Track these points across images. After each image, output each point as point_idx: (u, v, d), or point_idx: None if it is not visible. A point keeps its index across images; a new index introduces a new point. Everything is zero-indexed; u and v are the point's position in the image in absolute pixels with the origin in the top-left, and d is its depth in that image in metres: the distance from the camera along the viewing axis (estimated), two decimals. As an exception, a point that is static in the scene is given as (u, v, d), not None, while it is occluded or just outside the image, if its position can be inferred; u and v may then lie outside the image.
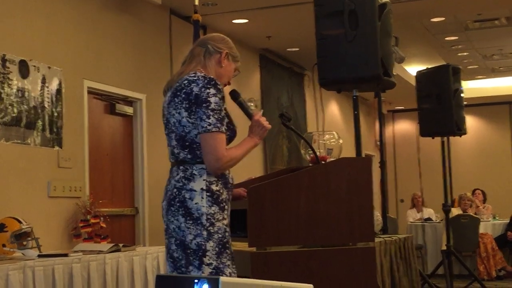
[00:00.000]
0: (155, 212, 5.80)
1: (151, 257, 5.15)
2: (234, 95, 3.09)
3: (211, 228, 2.78)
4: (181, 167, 2.86)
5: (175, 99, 2.87)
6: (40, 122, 5.23)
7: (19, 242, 4.52)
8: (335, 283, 3.23)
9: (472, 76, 12.97)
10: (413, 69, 10.59)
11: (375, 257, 3.70)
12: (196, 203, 2.78)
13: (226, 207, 2.86)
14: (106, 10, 6.19)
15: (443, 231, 8.47)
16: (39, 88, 5.25)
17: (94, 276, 4.55)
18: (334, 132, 4.54)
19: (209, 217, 2.78)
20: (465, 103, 7.39)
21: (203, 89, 2.80)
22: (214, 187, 2.82)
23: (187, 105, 2.82)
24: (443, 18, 8.77)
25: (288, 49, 9.44)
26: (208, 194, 2.79)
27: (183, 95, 2.84)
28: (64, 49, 5.59)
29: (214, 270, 2.77)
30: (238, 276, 2.88)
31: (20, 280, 3.97)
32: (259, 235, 3.10)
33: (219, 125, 2.79)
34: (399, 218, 12.25)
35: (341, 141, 4.50)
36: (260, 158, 8.96)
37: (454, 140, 8.46)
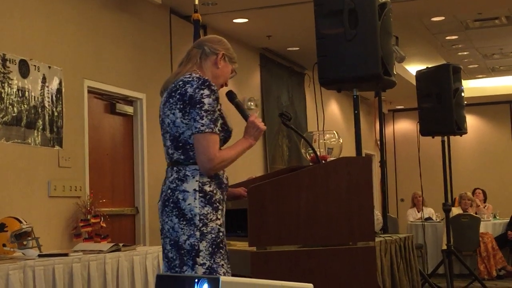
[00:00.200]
0: (155, 212, 5.76)
1: (151, 256, 5.16)
2: (231, 96, 3.09)
3: (204, 228, 2.79)
4: (175, 168, 2.87)
5: (170, 99, 2.88)
6: (40, 122, 5.23)
7: (19, 242, 4.52)
8: (335, 283, 3.23)
9: (473, 75, 12.96)
10: (413, 68, 10.59)
11: (375, 257, 3.70)
12: (189, 204, 2.79)
13: (220, 207, 2.86)
14: (106, 10, 6.19)
15: (443, 230, 8.47)
16: (39, 88, 5.25)
17: (94, 276, 4.56)
18: (335, 132, 4.53)
19: (202, 217, 2.78)
20: (465, 102, 7.38)
21: (197, 90, 2.81)
22: (207, 188, 2.82)
23: (181, 106, 2.83)
24: (443, 18, 8.77)
25: (288, 49, 9.44)
26: (201, 195, 2.80)
27: (178, 96, 2.84)
28: (64, 49, 5.59)
29: (207, 270, 2.77)
30: (238, 276, 2.88)
31: (20, 279, 3.97)
32: (259, 235, 3.09)
33: (212, 126, 2.79)
34: (399, 217, 12.24)
35: (341, 140, 4.49)
36: (260, 158, 8.95)
37: (455, 139, 8.46)
